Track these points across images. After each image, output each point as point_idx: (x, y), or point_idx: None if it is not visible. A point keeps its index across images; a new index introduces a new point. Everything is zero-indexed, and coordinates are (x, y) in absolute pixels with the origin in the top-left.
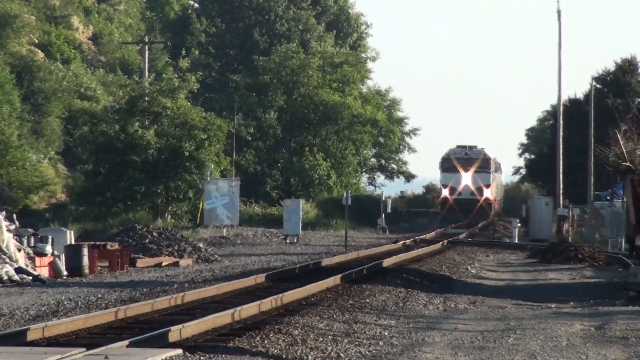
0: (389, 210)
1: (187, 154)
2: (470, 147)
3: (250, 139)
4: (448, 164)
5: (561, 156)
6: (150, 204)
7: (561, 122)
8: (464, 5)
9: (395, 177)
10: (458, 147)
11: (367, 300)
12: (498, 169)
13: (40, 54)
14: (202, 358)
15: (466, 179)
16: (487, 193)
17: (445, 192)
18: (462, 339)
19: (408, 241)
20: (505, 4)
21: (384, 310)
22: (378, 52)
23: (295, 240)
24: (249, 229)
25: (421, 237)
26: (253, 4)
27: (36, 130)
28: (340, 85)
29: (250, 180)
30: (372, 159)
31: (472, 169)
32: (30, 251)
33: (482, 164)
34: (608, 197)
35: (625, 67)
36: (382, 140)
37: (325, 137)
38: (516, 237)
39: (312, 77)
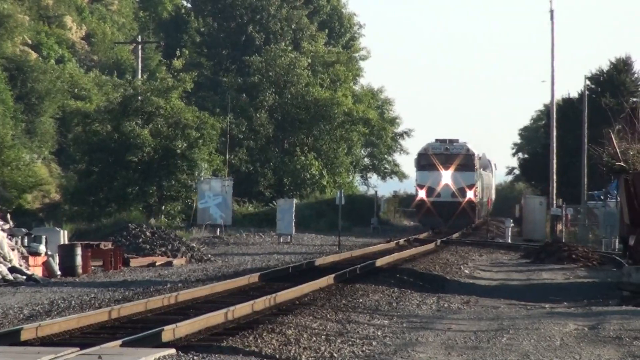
0: (382, 211)
1: (180, 152)
2: (451, 141)
3: (242, 137)
4: (425, 161)
5: (555, 156)
6: (143, 204)
7: (554, 121)
8: (457, 3)
9: (388, 177)
10: (437, 141)
11: (361, 300)
12: (487, 166)
13: (34, 54)
14: (195, 357)
15: (446, 178)
16: (471, 194)
17: (421, 194)
18: (456, 338)
19: (401, 241)
20: (498, 3)
21: (377, 310)
22: (369, 51)
23: (289, 240)
24: (242, 228)
25: (414, 236)
26: (246, 2)
27: (30, 130)
28: (332, 84)
29: (243, 179)
30: (365, 159)
31: (453, 167)
32: (24, 251)
33: (465, 160)
34: (602, 197)
35: (620, 67)
36: (374, 139)
37: (317, 137)
38: (509, 237)
39: (302, 76)
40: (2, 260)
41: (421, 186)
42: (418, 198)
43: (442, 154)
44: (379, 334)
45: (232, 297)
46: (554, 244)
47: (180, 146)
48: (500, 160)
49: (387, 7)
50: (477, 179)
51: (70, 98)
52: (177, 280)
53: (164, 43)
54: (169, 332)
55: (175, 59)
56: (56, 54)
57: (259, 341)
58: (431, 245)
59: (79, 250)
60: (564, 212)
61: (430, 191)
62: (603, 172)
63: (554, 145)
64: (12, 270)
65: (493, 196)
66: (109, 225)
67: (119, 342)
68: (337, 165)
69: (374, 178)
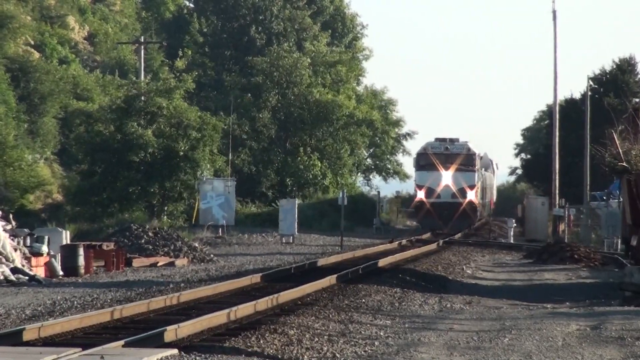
0: (384, 211)
1: (182, 153)
2: (452, 140)
3: (245, 137)
4: (425, 161)
5: (557, 156)
6: (146, 204)
7: (557, 122)
8: (460, 4)
9: (390, 177)
10: (437, 140)
11: (363, 300)
12: (488, 166)
13: (36, 54)
14: (197, 358)
15: (446, 178)
16: (471, 195)
17: (420, 195)
18: (458, 339)
19: (404, 241)
20: (501, 3)
21: (379, 310)
22: (371, 50)
23: (291, 240)
24: (244, 228)
25: (417, 237)
26: (248, 3)
27: (32, 131)
28: (334, 84)
29: (245, 180)
30: (368, 160)
31: (454, 167)
32: (27, 251)
33: (466, 160)
34: (604, 197)
35: (624, 67)
36: (377, 140)
37: (320, 138)
38: (512, 238)
39: (304, 76)
40: (4, 260)
41: (420, 187)
42: (417, 199)
43: (442, 153)
44: (382, 334)
45: (235, 297)
46: (556, 244)
47: (182, 147)
48: (503, 161)
49: (390, 7)
50: (478, 180)
51: (72, 98)
52: (180, 281)
53: (166, 43)
54: (171, 333)
55: (178, 59)
56: (59, 54)
57: (261, 341)
58: (433, 246)
59: (81, 251)
60: (566, 213)
61: (429, 192)
62: (605, 172)
63: (557, 145)
64: (15, 270)
65: (494, 196)
66: (112, 226)
67: (122, 342)
68: (340, 166)
69: (376, 179)
